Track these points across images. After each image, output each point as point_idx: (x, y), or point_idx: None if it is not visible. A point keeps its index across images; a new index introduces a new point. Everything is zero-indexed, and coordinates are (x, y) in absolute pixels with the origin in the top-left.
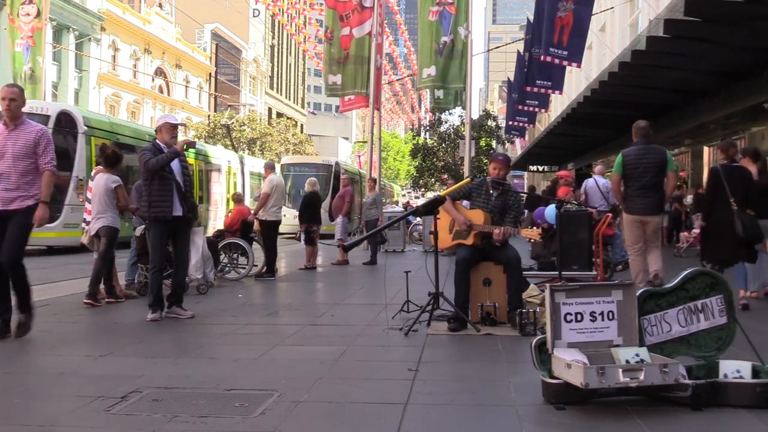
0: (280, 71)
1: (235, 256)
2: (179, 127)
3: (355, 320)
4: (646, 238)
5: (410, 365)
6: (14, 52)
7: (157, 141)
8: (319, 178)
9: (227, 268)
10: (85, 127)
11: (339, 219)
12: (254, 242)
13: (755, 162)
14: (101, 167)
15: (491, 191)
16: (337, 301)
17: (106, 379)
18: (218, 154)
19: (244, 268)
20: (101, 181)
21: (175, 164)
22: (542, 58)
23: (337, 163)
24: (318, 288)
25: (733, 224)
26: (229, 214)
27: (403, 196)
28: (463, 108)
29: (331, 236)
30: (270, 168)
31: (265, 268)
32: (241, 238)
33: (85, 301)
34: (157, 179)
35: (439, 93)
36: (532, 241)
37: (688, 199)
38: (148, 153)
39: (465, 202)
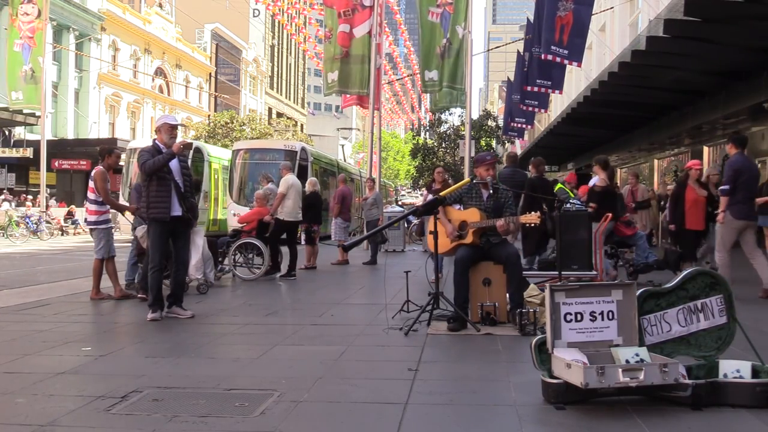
0: (280, 71)
1: (250, 256)
2: (179, 127)
3: (355, 320)
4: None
5: (410, 365)
6: (12, 53)
7: (156, 142)
8: (278, 166)
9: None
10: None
11: (334, 220)
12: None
13: (605, 170)
14: (100, 167)
15: (489, 191)
16: (337, 301)
17: (106, 379)
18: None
19: (260, 268)
20: None
21: (174, 164)
22: (542, 57)
23: (303, 149)
24: (318, 288)
25: (545, 224)
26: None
27: (403, 195)
28: (463, 108)
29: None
30: (287, 168)
31: (268, 267)
32: (257, 238)
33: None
34: (156, 180)
35: (439, 94)
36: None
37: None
38: (146, 154)
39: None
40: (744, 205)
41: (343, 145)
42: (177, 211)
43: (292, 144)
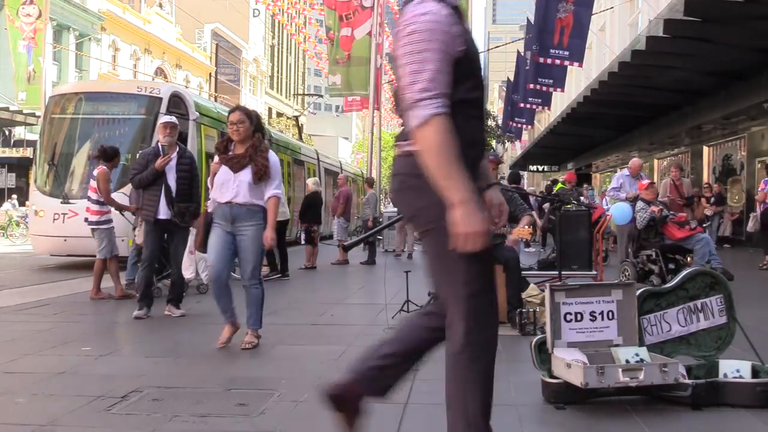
0: (280, 71)
1: None
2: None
3: (354, 320)
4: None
5: None
6: (17, 54)
7: (158, 143)
8: (128, 123)
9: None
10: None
11: (336, 220)
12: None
13: None
14: (104, 168)
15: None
16: (337, 301)
17: (106, 378)
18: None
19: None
20: None
21: (169, 165)
22: (543, 60)
23: (176, 96)
24: (318, 288)
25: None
26: None
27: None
28: None
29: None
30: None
31: (269, 269)
32: None
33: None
34: None
35: None
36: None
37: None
38: (141, 161)
39: None
40: None
41: (297, 117)
42: (162, 214)
43: (152, 87)
